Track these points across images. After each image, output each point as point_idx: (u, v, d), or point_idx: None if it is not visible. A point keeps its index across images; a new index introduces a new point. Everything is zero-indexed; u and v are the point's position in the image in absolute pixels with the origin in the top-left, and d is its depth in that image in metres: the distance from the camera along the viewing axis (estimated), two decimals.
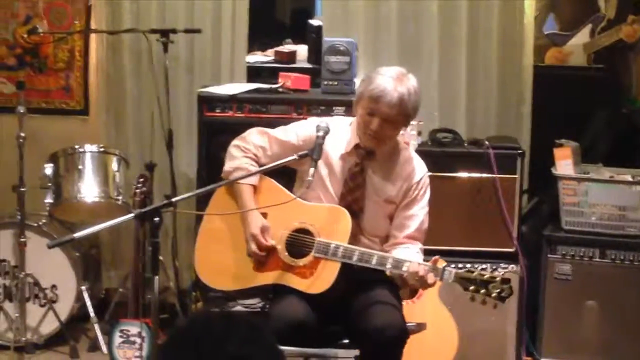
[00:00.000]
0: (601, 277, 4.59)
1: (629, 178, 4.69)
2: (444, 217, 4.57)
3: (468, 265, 4.26)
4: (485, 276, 3.39)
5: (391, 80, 3.61)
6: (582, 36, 5.27)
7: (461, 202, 4.65)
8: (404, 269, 3.47)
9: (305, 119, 3.87)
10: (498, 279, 3.38)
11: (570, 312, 4.62)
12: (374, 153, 3.73)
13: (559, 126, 4.98)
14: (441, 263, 3.51)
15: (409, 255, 3.57)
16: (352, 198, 3.71)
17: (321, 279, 3.55)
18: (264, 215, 3.72)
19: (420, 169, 3.81)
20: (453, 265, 3.73)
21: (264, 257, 3.68)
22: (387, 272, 3.54)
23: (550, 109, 5.15)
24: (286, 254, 3.65)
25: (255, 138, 3.80)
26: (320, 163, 3.67)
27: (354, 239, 3.63)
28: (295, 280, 3.60)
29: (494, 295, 3.37)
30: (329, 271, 3.55)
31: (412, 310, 3.99)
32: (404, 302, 3.90)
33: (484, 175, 4.63)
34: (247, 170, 3.71)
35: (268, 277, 3.67)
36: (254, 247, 3.66)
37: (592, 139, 5.03)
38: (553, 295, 4.64)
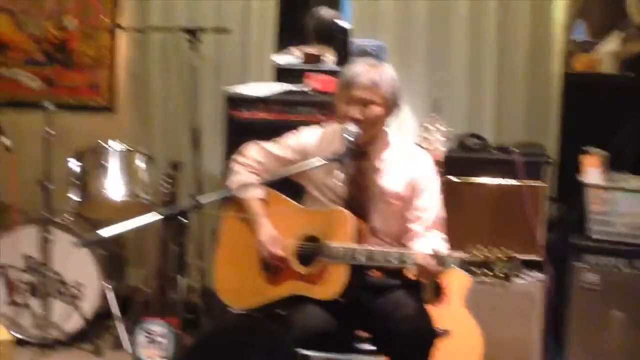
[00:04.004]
0: (629, 287, 4.54)
1: None
2: (470, 223, 4.55)
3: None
4: (490, 258, 3.29)
5: (364, 66, 3.64)
6: (612, 43, 5.24)
7: (487, 208, 4.62)
8: (410, 262, 3.44)
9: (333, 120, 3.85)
10: (504, 258, 3.29)
11: (596, 322, 4.57)
12: (366, 153, 3.70)
13: (587, 134, 4.95)
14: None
15: (427, 246, 3.49)
16: (357, 202, 3.68)
17: (332, 283, 3.55)
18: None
19: (422, 159, 3.76)
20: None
21: (277, 270, 3.68)
22: (409, 271, 3.50)
23: (579, 116, 5.11)
24: (297, 263, 3.65)
25: (253, 153, 3.87)
26: (321, 175, 3.70)
27: (367, 241, 3.60)
28: (309, 288, 3.60)
29: (500, 276, 3.28)
30: (338, 274, 3.54)
31: (437, 316, 3.96)
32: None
33: (511, 182, 4.61)
34: (251, 184, 3.76)
35: (284, 290, 3.67)
36: (266, 253, 3.68)
37: (621, 147, 4.98)
38: (579, 305, 4.59)
